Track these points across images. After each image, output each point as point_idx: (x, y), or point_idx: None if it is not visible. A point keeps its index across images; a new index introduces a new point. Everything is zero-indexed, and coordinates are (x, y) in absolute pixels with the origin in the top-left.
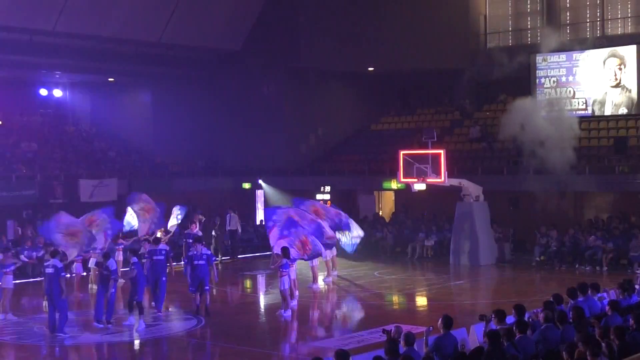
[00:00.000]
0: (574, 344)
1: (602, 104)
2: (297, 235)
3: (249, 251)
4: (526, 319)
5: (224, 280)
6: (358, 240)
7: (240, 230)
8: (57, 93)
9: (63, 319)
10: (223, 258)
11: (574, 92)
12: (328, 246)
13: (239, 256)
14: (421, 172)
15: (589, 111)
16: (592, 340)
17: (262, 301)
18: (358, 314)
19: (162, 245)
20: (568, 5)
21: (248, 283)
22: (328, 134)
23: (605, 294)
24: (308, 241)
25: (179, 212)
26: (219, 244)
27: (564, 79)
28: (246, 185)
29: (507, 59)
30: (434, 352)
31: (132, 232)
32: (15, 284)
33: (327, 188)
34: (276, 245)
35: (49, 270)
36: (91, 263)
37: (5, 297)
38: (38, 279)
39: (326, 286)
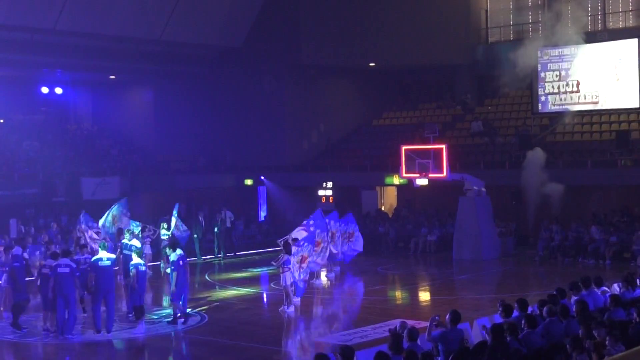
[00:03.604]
0: (578, 337)
1: (604, 97)
2: (303, 250)
3: (252, 247)
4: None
5: (228, 277)
6: (355, 254)
7: (230, 226)
8: (59, 91)
9: (72, 320)
10: (227, 254)
11: (576, 85)
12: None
13: (240, 252)
14: (423, 167)
15: (591, 105)
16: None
17: (265, 297)
18: (361, 310)
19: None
20: None
21: (251, 279)
22: (330, 130)
23: (608, 288)
24: (307, 261)
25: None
26: (221, 241)
27: (565, 72)
28: (248, 182)
29: (509, 53)
30: (438, 346)
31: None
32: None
33: (329, 184)
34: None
35: (63, 269)
36: None
37: (6, 295)
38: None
39: (329, 282)
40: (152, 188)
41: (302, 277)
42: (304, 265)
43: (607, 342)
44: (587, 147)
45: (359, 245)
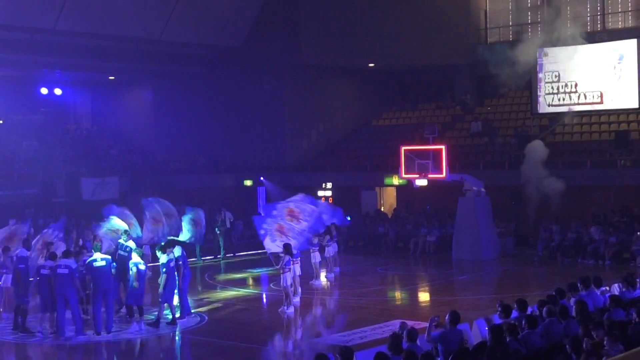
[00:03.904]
0: (578, 337)
1: (603, 98)
2: (274, 221)
3: (252, 248)
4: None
5: (227, 277)
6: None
7: (229, 227)
8: (58, 92)
9: (79, 320)
10: (227, 255)
11: (575, 86)
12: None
13: (239, 253)
14: (422, 168)
15: (590, 105)
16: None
17: (265, 298)
18: (360, 310)
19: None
20: (568, 0)
21: (250, 280)
22: (329, 130)
23: (608, 288)
24: (284, 227)
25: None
26: (221, 241)
27: (564, 73)
28: (248, 182)
29: (508, 53)
30: (438, 346)
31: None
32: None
33: (329, 184)
34: (266, 246)
35: (63, 270)
36: None
37: (6, 297)
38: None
39: (328, 282)
40: (152, 188)
41: (291, 237)
42: (285, 232)
43: (605, 343)
44: (587, 147)
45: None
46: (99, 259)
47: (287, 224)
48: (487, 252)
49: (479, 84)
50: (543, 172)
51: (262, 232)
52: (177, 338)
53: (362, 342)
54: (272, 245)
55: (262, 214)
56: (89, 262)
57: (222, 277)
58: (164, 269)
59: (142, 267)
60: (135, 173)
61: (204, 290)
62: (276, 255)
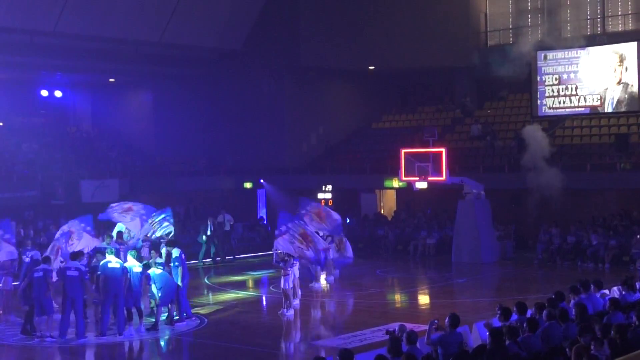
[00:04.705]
0: (577, 341)
1: (603, 101)
2: (296, 228)
3: (251, 250)
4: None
5: (227, 280)
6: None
7: (229, 229)
8: (58, 94)
9: (81, 323)
10: (227, 258)
11: (575, 89)
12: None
13: (240, 255)
14: (422, 171)
15: (590, 108)
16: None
17: (264, 300)
18: (360, 313)
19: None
20: (568, 3)
21: (250, 282)
22: (329, 133)
23: (607, 291)
24: (308, 234)
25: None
26: (220, 244)
27: (564, 76)
28: (247, 185)
29: (508, 56)
30: (437, 349)
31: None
32: (14, 285)
33: (329, 187)
34: (279, 243)
35: (72, 273)
36: None
37: (6, 299)
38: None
39: (328, 285)
40: (152, 190)
41: (309, 248)
42: (309, 242)
43: (592, 347)
44: (587, 150)
45: (349, 252)
46: (113, 261)
47: (311, 234)
48: (487, 255)
49: (478, 86)
50: (544, 166)
51: (283, 228)
52: (176, 340)
53: (362, 344)
54: (286, 245)
55: (290, 215)
56: (103, 263)
57: (222, 279)
58: (153, 281)
59: (137, 269)
60: (135, 175)
61: (203, 292)
62: (282, 254)
